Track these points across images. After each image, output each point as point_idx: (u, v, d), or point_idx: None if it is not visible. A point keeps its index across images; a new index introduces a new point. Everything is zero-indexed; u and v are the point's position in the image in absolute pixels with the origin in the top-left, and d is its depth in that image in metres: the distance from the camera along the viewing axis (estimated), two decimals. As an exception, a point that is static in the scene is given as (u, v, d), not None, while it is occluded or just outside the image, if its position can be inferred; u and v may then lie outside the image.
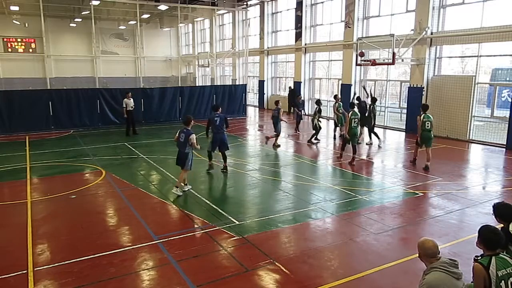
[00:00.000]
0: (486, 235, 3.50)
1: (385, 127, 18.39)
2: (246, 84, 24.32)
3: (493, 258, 3.39)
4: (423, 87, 16.14)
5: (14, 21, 31.11)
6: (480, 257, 3.54)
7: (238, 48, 29.13)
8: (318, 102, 14.98)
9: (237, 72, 30.09)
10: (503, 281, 3.31)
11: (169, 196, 8.57)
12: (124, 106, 16.11)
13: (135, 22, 30.49)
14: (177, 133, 8.77)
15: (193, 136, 8.48)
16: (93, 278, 5.20)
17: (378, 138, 14.63)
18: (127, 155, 12.69)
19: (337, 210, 7.84)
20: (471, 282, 4.16)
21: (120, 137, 15.85)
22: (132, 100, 16.36)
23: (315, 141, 14.68)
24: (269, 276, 5.29)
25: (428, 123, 10.88)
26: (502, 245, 3.48)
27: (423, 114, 10.97)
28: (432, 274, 3.43)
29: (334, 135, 15.74)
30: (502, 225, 4.18)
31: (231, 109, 22.23)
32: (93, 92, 18.83)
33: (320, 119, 14.73)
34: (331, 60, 22.66)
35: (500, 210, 4.16)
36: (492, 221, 4.38)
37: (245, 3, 27.99)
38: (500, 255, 3.43)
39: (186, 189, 8.84)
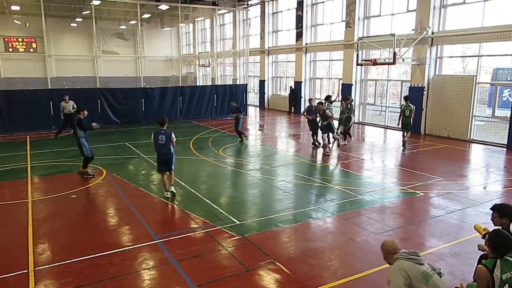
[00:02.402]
0: (496, 240, 3.46)
1: (385, 127, 18.38)
2: (246, 84, 24.29)
3: (498, 261, 3.36)
4: (424, 87, 16.12)
5: (15, 21, 31.11)
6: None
7: (238, 47, 29.12)
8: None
9: (237, 72, 30.08)
10: (507, 285, 3.28)
11: (169, 196, 8.57)
12: (62, 109, 15.31)
13: (136, 22, 30.53)
14: (152, 137, 8.39)
15: (174, 135, 8.40)
16: (94, 278, 5.20)
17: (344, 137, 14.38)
18: (127, 155, 12.70)
19: (337, 210, 7.83)
20: (472, 281, 4.16)
21: (121, 137, 15.84)
22: (71, 103, 15.32)
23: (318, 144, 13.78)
24: (270, 276, 5.28)
25: (407, 111, 13.36)
26: (510, 251, 3.43)
27: (404, 104, 13.52)
28: (396, 263, 3.75)
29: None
30: (499, 226, 4.17)
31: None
32: (94, 92, 18.83)
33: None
34: (331, 60, 22.65)
35: (503, 210, 4.17)
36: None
37: (245, 3, 27.98)
38: (505, 257, 3.39)
39: (172, 190, 8.48)
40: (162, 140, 8.28)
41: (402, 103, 13.69)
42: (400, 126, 13.76)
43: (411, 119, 13.37)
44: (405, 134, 13.63)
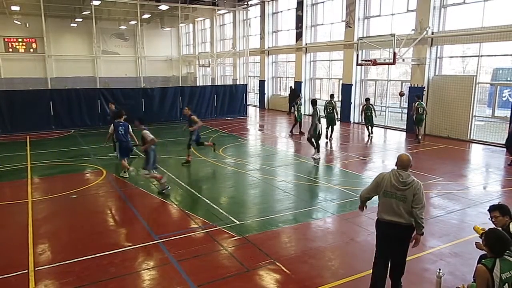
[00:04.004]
0: (492, 239, 3.47)
1: (385, 127, 18.40)
2: (246, 84, 24.32)
3: (498, 261, 3.36)
4: (424, 87, 16.13)
5: (15, 21, 31.10)
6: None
7: (238, 48, 29.13)
8: (298, 96, 17.42)
9: (237, 72, 30.08)
10: (506, 284, 3.28)
11: (169, 196, 8.57)
12: None
13: (136, 22, 30.51)
14: (112, 127, 9.63)
15: (130, 128, 9.77)
16: (94, 278, 5.20)
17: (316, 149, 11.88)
18: (127, 155, 12.67)
19: (337, 210, 7.83)
20: (473, 281, 4.16)
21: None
22: None
23: (295, 133, 16.46)
24: (270, 276, 5.29)
25: (420, 109, 14.62)
26: (507, 250, 3.43)
27: (417, 102, 14.69)
28: (386, 172, 4.53)
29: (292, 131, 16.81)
30: (502, 225, 4.18)
31: (232, 109, 22.25)
32: (94, 92, 18.84)
33: (299, 110, 16.58)
34: (331, 60, 22.66)
35: (504, 208, 4.20)
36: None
37: (245, 3, 27.98)
38: (505, 257, 3.40)
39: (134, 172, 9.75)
40: (122, 131, 9.61)
41: (415, 101, 14.85)
42: (414, 123, 14.98)
43: (424, 115, 14.75)
44: (418, 129, 14.84)
